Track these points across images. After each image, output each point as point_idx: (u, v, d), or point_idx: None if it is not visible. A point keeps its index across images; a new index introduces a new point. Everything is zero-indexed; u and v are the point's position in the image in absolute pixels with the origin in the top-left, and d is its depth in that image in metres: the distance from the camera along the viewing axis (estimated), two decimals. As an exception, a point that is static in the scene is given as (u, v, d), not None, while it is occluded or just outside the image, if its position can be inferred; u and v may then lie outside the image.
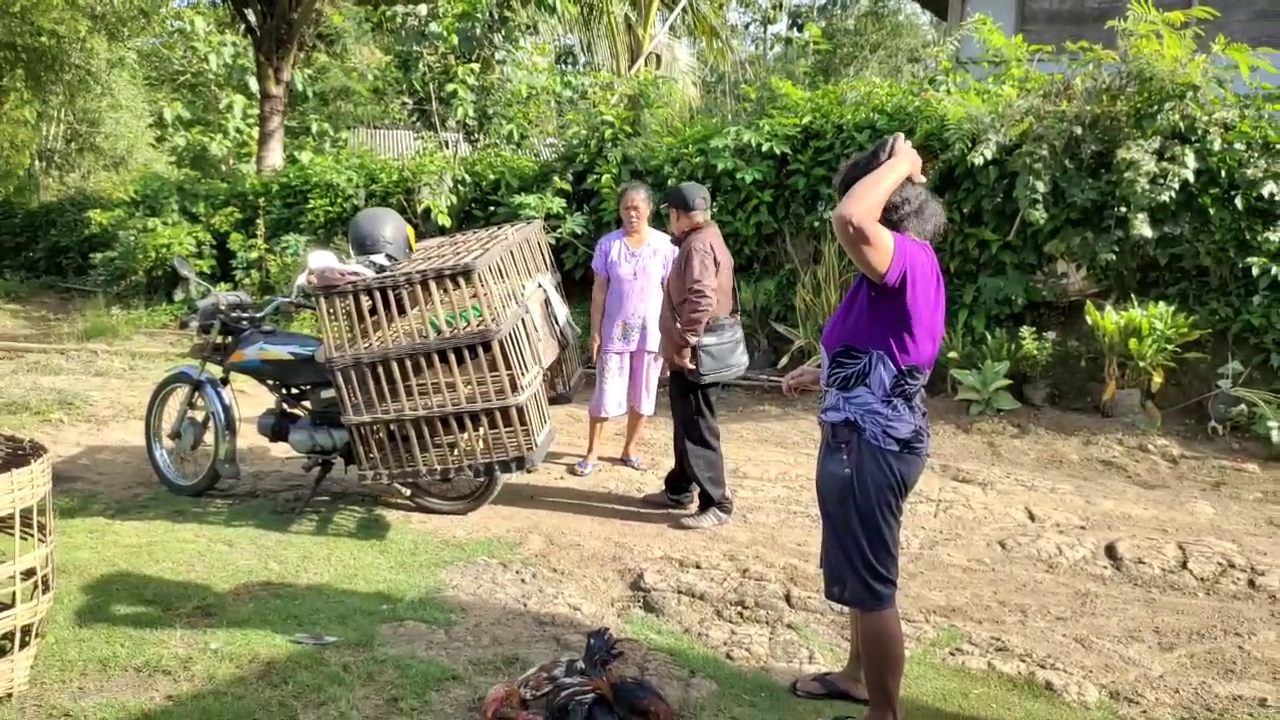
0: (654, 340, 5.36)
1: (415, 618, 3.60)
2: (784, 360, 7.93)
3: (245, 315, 4.97)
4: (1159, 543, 4.58)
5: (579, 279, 8.75)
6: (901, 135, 2.69)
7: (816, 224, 8.37)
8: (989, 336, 7.19)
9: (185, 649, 3.29)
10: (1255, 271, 6.55)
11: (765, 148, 8.23)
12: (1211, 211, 6.71)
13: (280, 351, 4.75)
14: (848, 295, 2.75)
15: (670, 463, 5.20)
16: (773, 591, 3.96)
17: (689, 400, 4.75)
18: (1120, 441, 6.37)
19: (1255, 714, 3.08)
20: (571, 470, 5.71)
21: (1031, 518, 5.01)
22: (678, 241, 4.81)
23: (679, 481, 4.99)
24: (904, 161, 2.57)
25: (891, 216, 2.59)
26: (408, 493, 4.87)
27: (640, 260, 5.46)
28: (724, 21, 19.91)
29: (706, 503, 4.83)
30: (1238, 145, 6.61)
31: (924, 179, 2.70)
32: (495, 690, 2.97)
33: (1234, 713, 3.09)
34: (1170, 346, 6.57)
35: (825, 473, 2.76)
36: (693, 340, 4.56)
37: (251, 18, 12.66)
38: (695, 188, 4.82)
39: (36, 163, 20.23)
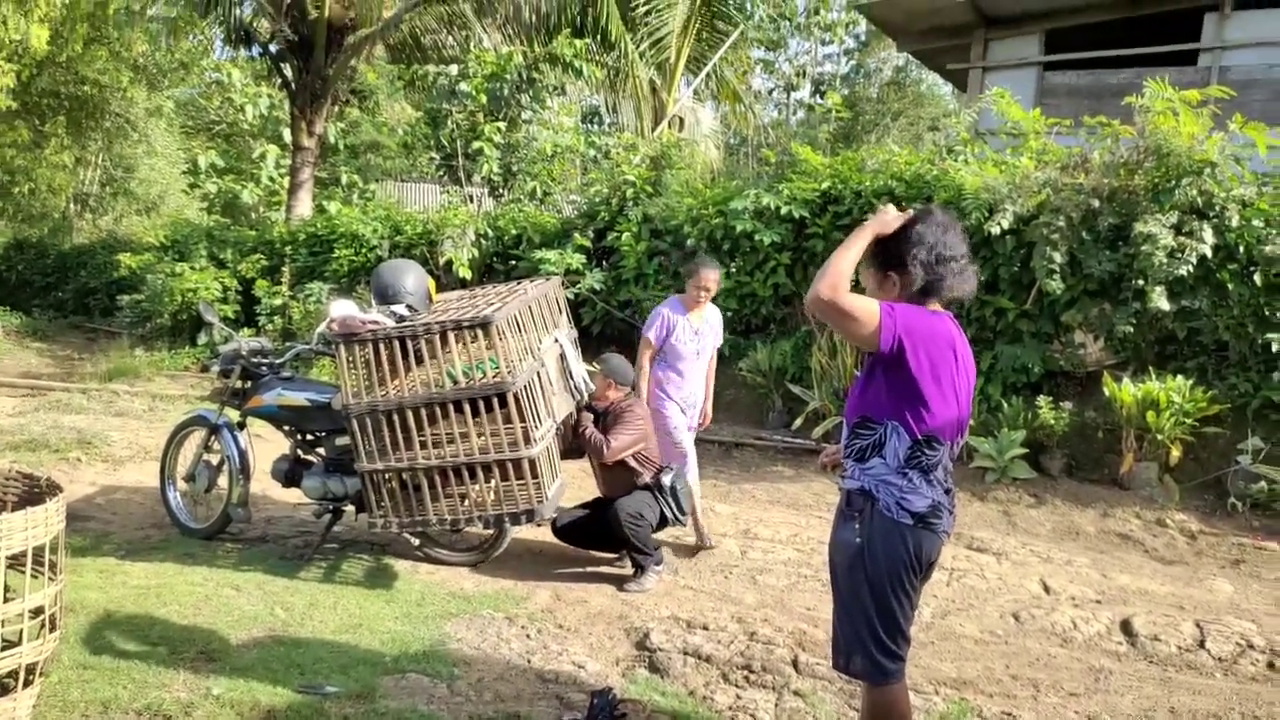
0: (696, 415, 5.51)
1: (418, 670, 3.57)
2: (798, 421, 7.92)
3: (265, 361, 5.04)
4: (1176, 620, 4.49)
5: (595, 335, 8.81)
6: (890, 206, 2.70)
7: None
8: (1005, 404, 7.16)
9: (187, 693, 3.28)
10: (1275, 347, 6.52)
11: (784, 211, 8.33)
12: (1230, 286, 6.71)
13: (298, 398, 4.80)
14: (865, 367, 2.70)
15: None
16: (780, 656, 3.90)
17: (652, 503, 4.79)
18: (1138, 515, 6.29)
19: (1274, 802, 2.99)
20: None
21: (1046, 590, 4.94)
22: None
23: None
24: (867, 228, 2.58)
25: (931, 283, 2.58)
26: (416, 542, 4.86)
27: (702, 339, 5.37)
28: (748, 87, 20.28)
29: (641, 566, 4.78)
30: (1256, 222, 6.64)
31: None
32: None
33: (1252, 800, 3.00)
34: (1189, 420, 6.52)
35: (837, 540, 2.68)
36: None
37: (288, 72, 13.03)
38: (625, 362, 5.02)
39: (71, 205, 20.71)
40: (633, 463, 4.79)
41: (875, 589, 2.57)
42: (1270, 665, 4.03)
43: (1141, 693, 3.76)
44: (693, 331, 5.30)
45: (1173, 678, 3.92)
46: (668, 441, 5.26)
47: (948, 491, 2.63)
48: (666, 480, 4.81)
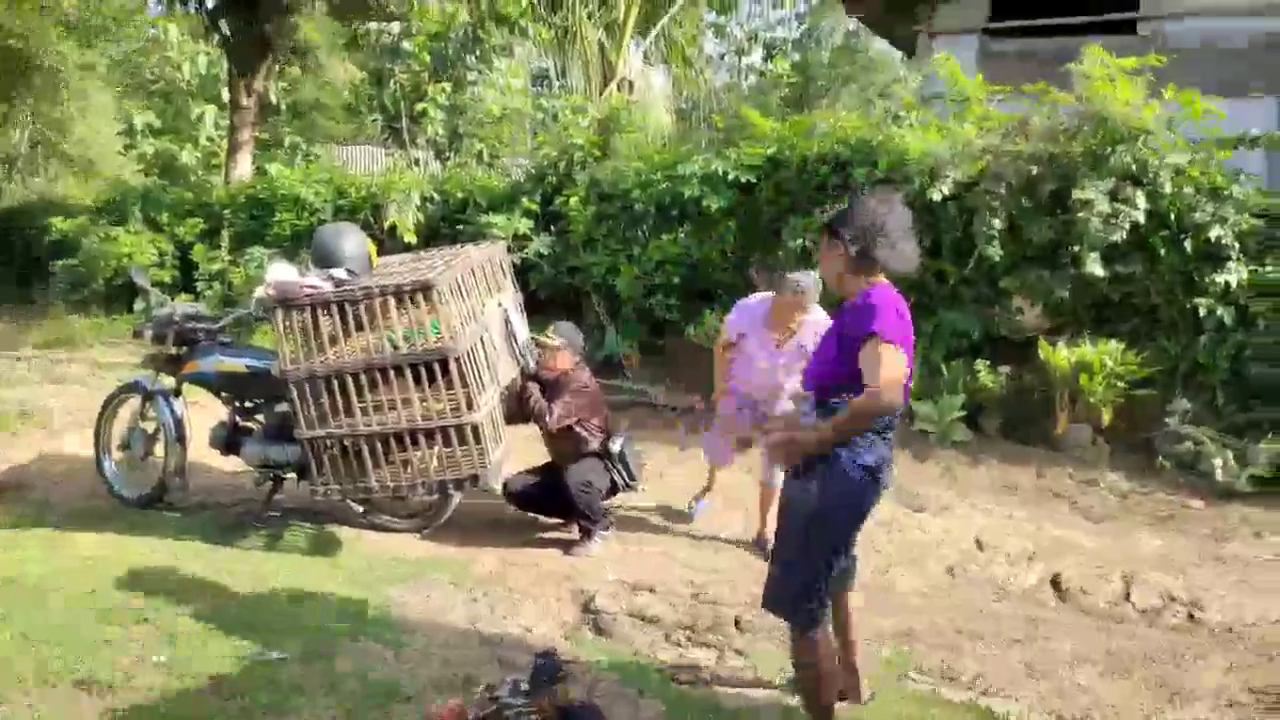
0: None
1: (364, 635, 3.57)
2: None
3: (201, 326, 4.93)
4: (1106, 574, 4.66)
5: (543, 300, 8.77)
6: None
7: (781, 253, 8.46)
8: (945, 369, 7.30)
9: (128, 662, 3.25)
10: (1203, 312, 6.72)
11: (732, 176, 8.33)
12: (1161, 253, 6.89)
13: (236, 364, 4.72)
14: (825, 342, 2.92)
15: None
16: (724, 617, 3.97)
17: (602, 471, 4.80)
18: (1071, 474, 6.48)
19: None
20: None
21: (982, 546, 5.08)
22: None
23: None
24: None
25: (866, 253, 2.79)
26: (360, 509, 4.83)
27: (781, 357, 4.76)
28: (699, 51, 20.14)
29: (588, 529, 4.82)
30: (1187, 189, 6.80)
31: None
32: (437, 707, 2.96)
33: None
34: (1120, 383, 6.72)
35: (793, 495, 2.86)
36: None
37: (226, 28, 12.61)
38: (575, 330, 4.96)
39: (-1, 167, 19.92)
40: (580, 430, 4.79)
41: (824, 543, 2.81)
42: (1190, 616, 4.21)
43: (1075, 642, 3.89)
44: (769, 350, 4.80)
45: (1103, 628, 4.08)
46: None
47: (889, 446, 2.87)
48: (615, 447, 4.83)
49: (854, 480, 2.76)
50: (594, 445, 4.82)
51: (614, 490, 4.86)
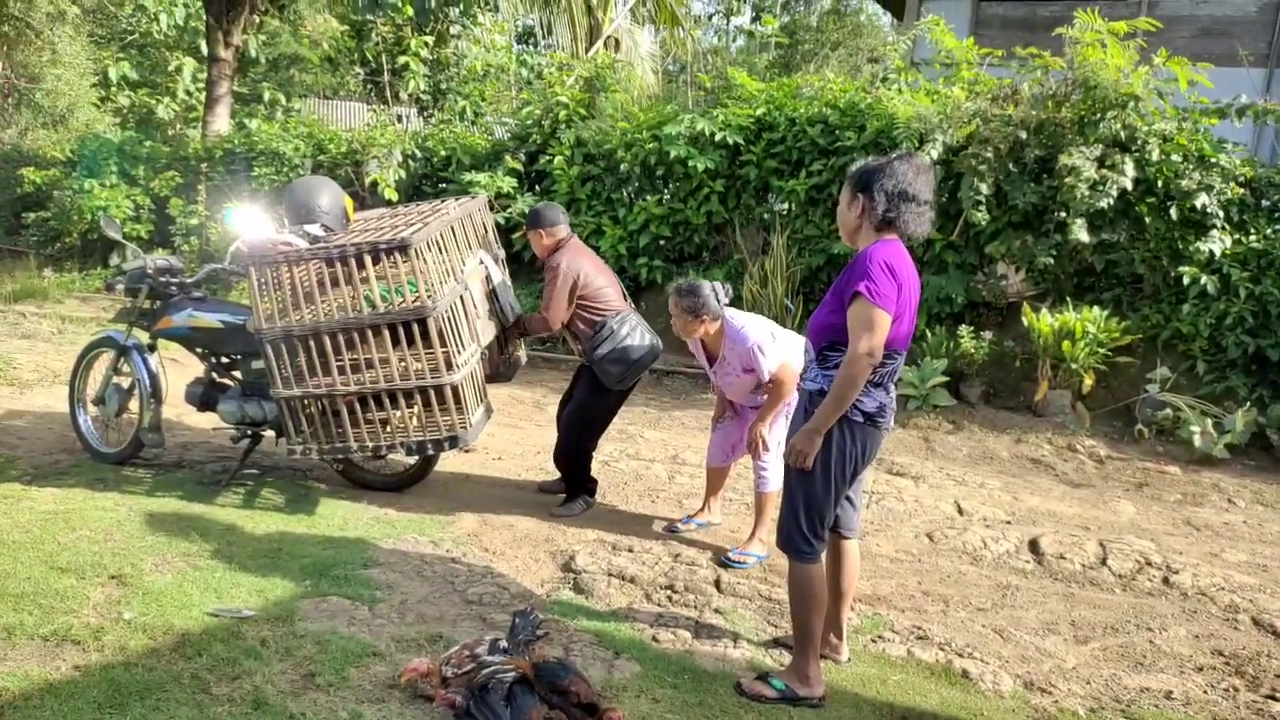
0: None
1: (339, 593, 3.54)
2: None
3: (175, 280, 4.83)
4: (1081, 539, 4.69)
5: (527, 260, 8.68)
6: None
7: (766, 215, 8.41)
8: (929, 334, 7.30)
9: (97, 619, 3.20)
10: (1186, 280, 6.74)
11: (719, 137, 8.23)
12: (1147, 220, 6.89)
13: (210, 319, 4.63)
14: (828, 294, 2.95)
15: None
16: (703, 576, 3.97)
17: (599, 400, 4.60)
18: (1050, 441, 6.52)
19: (1160, 706, 3.17)
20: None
21: (960, 511, 5.11)
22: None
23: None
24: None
25: (890, 215, 2.85)
26: (339, 468, 4.78)
27: (722, 371, 4.23)
28: (686, 11, 19.84)
29: (574, 490, 4.76)
30: (1174, 157, 6.78)
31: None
32: (415, 662, 2.95)
33: (1141, 704, 3.18)
34: (1102, 350, 6.74)
35: (795, 434, 2.98)
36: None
37: (202, -23, 12.30)
38: (549, 205, 4.70)
39: (-33, 117, 19.45)
40: (580, 324, 4.53)
41: (823, 481, 2.94)
42: (1165, 581, 4.25)
43: (1045, 607, 3.93)
44: (715, 368, 4.27)
45: (1075, 593, 4.11)
46: None
47: (889, 393, 2.98)
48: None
49: (855, 424, 2.89)
50: (607, 321, 4.49)
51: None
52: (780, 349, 4.00)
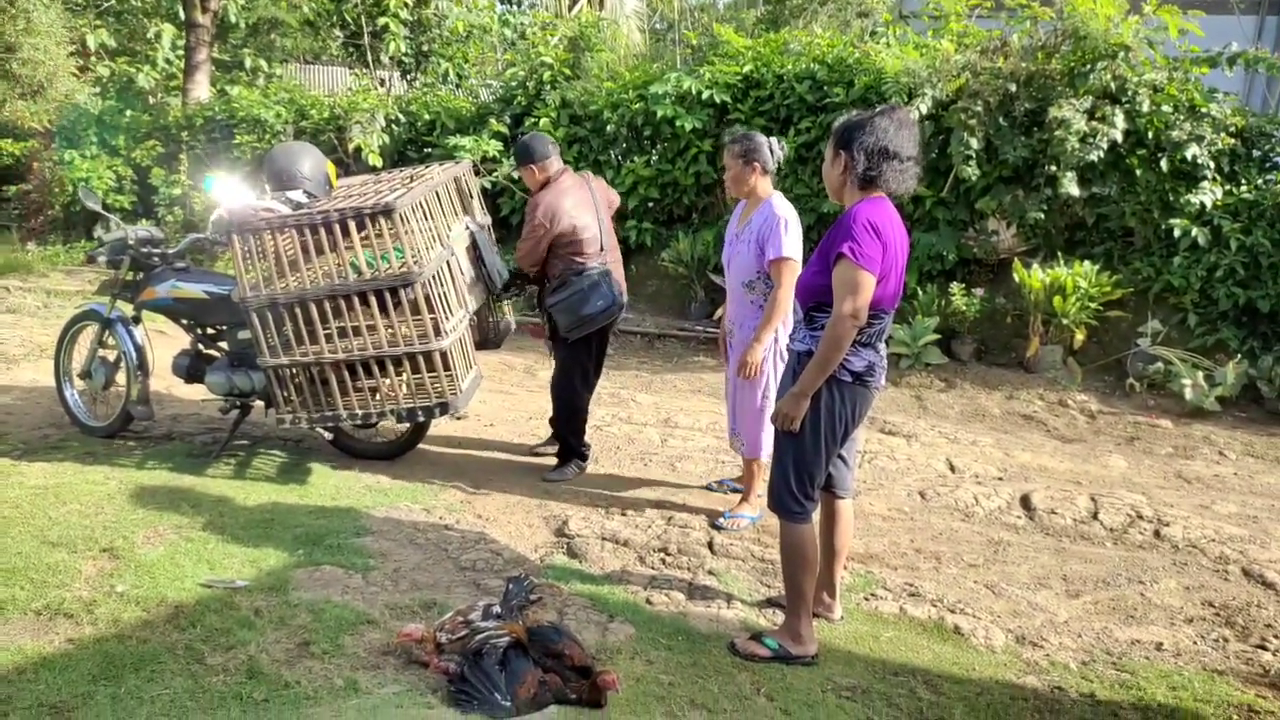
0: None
1: (332, 562, 3.54)
2: (720, 311, 7.92)
3: (157, 251, 4.77)
4: (1072, 494, 4.71)
5: (514, 225, 8.60)
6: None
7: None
8: (920, 292, 7.27)
9: (89, 592, 3.20)
10: (1177, 233, 6.71)
11: (706, 96, 8.13)
12: (1138, 172, 6.84)
13: (194, 290, 4.58)
14: (814, 255, 2.92)
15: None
16: (696, 539, 3.98)
17: (569, 352, 4.55)
18: (1041, 396, 6.53)
19: (1151, 658, 3.20)
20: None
21: (952, 469, 5.12)
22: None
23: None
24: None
25: (870, 174, 2.80)
26: (329, 437, 4.76)
27: (737, 239, 4.12)
28: (672, -34, 19.47)
29: (567, 455, 4.75)
30: (1165, 108, 6.72)
31: None
32: (410, 628, 2.95)
33: (1131, 656, 3.21)
34: (1093, 305, 6.73)
35: (785, 395, 2.97)
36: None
37: (177, -60, 12.02)
38: (536, 137, 4.53)
39: (-59, 89, 19.09)
40: (552, 271, 4.45)
41: (812, 442, 2.93)
42: (1156, 534, 4.27)
43: (1037, 562, 3.95)
44: (734, 231, 4.15)
45: (1066, 548, 4.13)
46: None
47: (879, 352, 2.96)
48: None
49: (843, 384, 2.88)
50: (564, 279, 4.40)
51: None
52: (796, 249, 3.89)
